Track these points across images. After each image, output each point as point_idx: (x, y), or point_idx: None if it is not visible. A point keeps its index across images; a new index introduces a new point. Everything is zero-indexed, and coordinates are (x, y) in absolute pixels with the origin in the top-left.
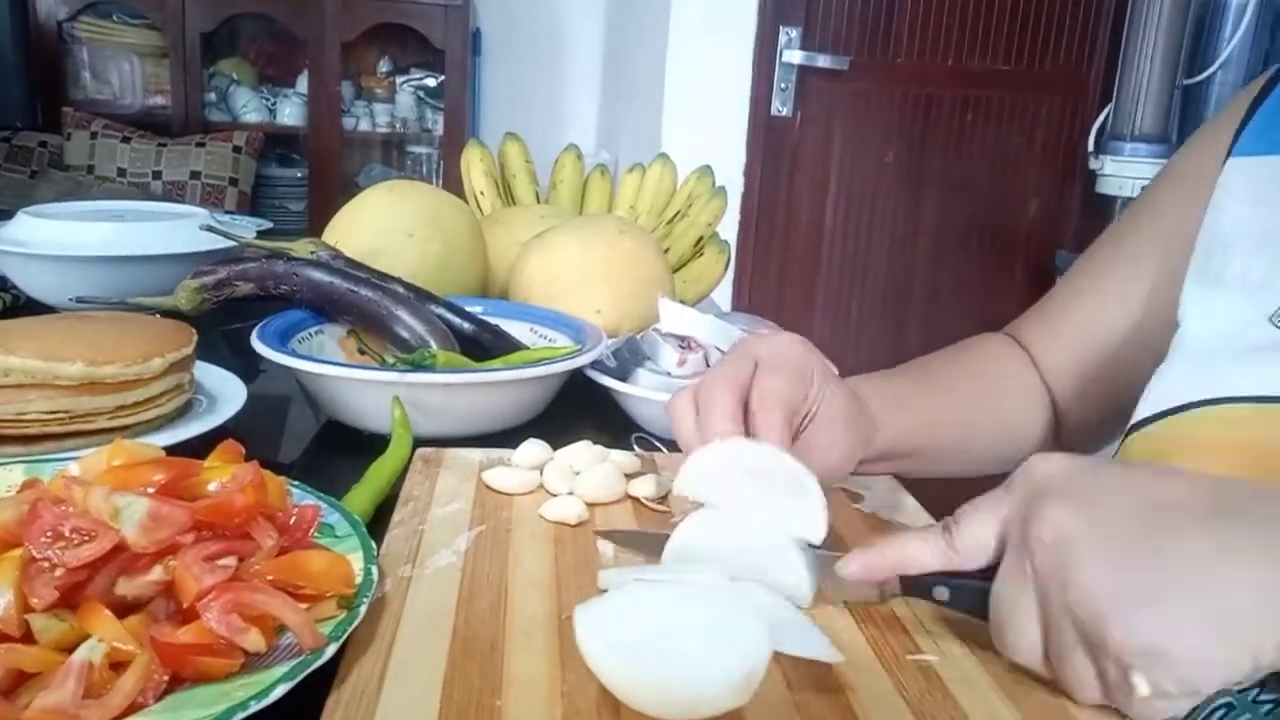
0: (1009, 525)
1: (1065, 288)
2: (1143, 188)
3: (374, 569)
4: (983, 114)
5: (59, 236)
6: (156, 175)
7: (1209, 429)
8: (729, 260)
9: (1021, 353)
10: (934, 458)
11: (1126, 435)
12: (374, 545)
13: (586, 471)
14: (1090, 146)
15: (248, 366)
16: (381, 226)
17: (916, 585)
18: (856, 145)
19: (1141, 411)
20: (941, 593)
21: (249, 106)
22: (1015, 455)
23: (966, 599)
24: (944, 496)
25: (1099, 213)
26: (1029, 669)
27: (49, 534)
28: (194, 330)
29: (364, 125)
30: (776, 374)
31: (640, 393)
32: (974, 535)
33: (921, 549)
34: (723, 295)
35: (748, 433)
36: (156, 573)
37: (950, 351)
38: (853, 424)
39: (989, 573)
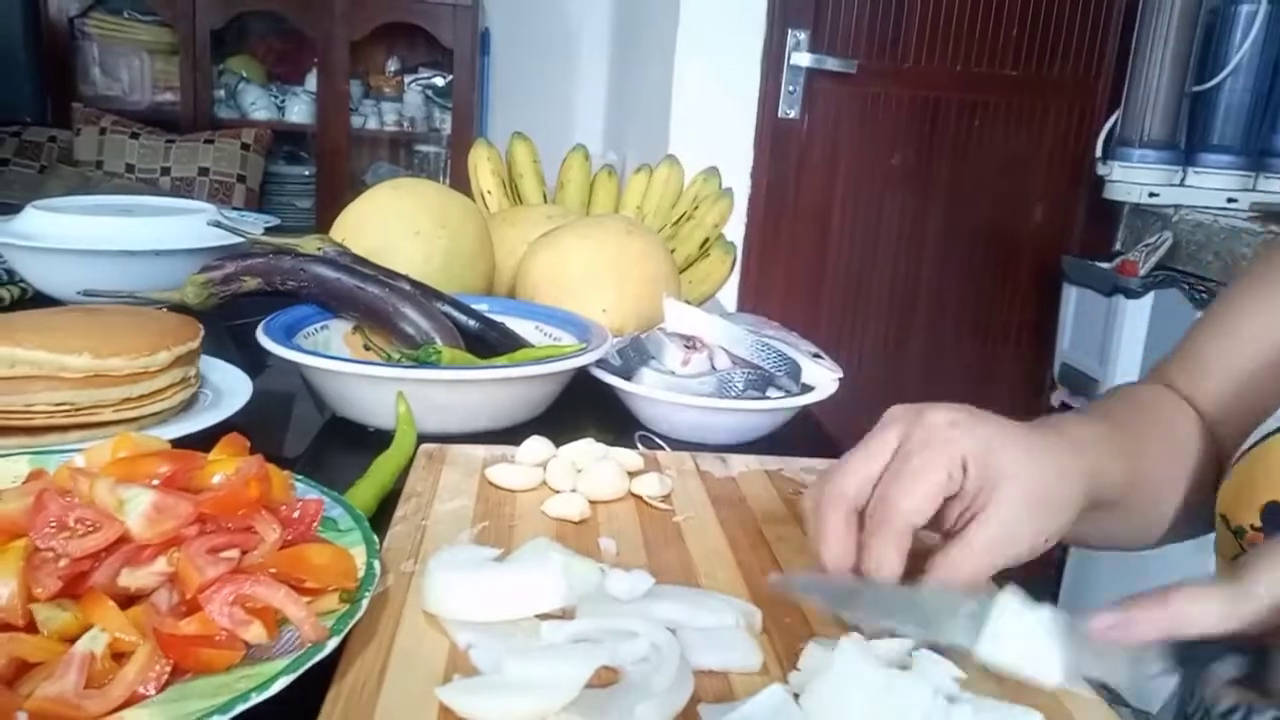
0: None
1: (1209, 320)
2: None
3: (376, 563)
4: (990, 119)
5: (67, 231)
6: (165, 171)
7: None
8: (735, 261)
9: (1183, 402)
10: (1130, 512)
11: (1259, 442)
12: (377, 540)
13: (589, 469)
14: (1098, 152)
15: (253, 361)
16: (388, 224)
17: (1191, 654)
18: (864, 148)
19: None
20: (1230, 668)
21: (258, 104)
22: (1199, 513)
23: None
24: None
25: (1106, 218)
26: None
27: (53, 524)
28: (200, 325)
29: (372, 124)
30: (902, 476)
31: (645, 392)
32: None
33: (1202, 604)
34: (728, 296)
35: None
36: (160, 564)
37: (1123, 398)
38: (1046, 505)
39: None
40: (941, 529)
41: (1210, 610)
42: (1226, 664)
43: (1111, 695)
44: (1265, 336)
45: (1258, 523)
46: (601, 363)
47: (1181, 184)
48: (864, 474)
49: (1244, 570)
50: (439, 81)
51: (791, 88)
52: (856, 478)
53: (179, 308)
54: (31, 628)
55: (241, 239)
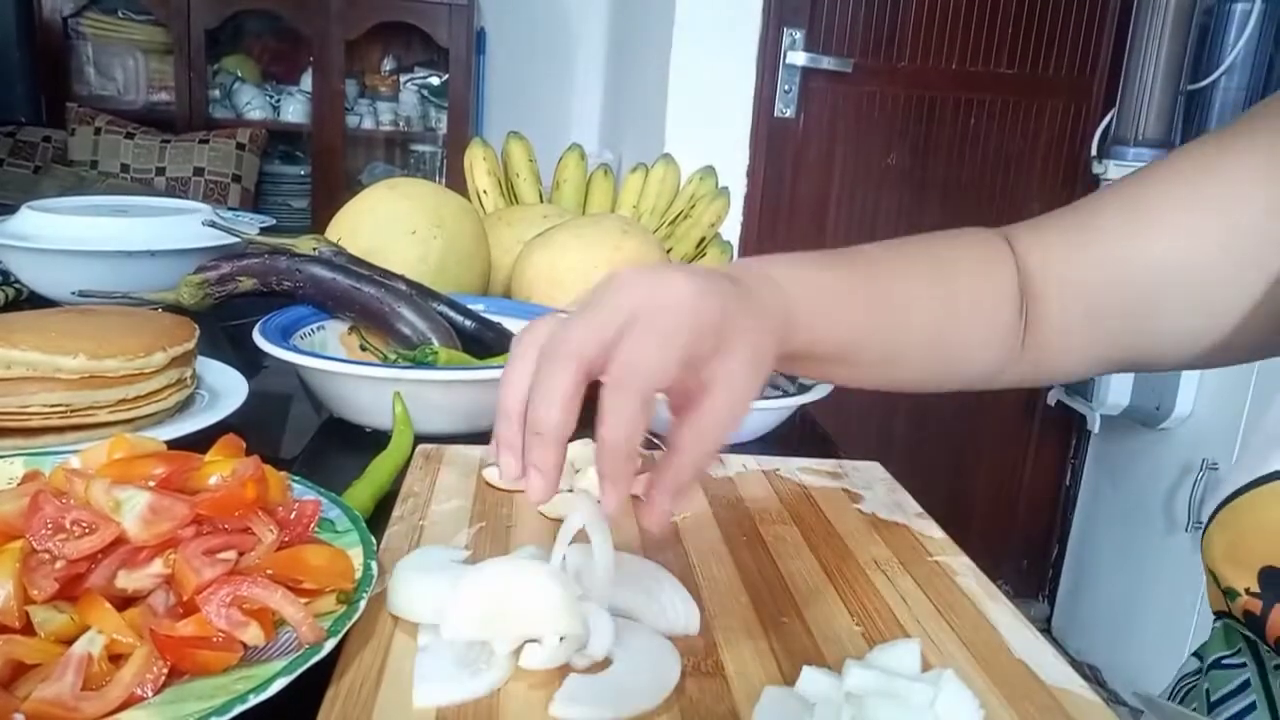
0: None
1: (1118, 199)
2: (1237, 118)
3: (374, 564)
4: (986, 117)
5: (62, 231)
6: (160, 171)
7: None
8: (731, 260)
9: (1006, 255)
10: (854, 366)
11: (1273, 478)
12: (374, 541)
13: (586, 469)
14: (1094, 151)
15: (249, 362)
16: (384, 224)
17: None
18: (859, 147)
19: (1234, 482)
20: None
21: (253, 104)
22: (950, 375)
23: None
24: (945, 498)
25: None
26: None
27: (50, 526)
28: (196, 325)
29: (368, 123)
30: (649, 336)
31: None
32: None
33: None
34: None
35: (585, 415)
36: (156, 566)
37: (914, 243)
38: (764, 361)
39: None
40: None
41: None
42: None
43: (1110, 695)
44: (1177, 250)
45: (1254, 587)
46: None
47: None
48: (604, 329)
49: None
50: (435, 81)
51: (787, 87)
52: (596, 332)
53: (174, 308)
54: (28, 630)
55: (237, 239)
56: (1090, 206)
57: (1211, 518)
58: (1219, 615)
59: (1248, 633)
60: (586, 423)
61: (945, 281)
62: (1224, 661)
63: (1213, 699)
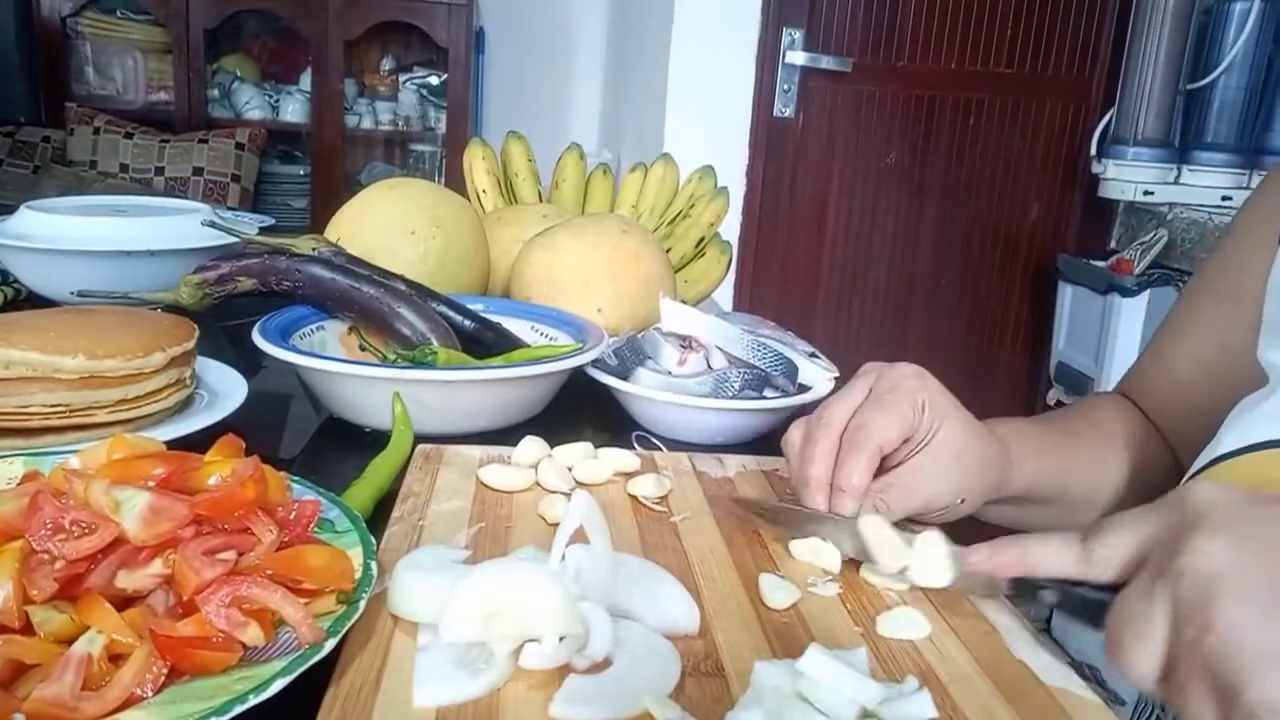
0: (1152, 546)
1: (1152, 346)
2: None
3: (373, 564)
4: (985, 117)
5: (61, 231)
6: (159, 171)
7: None
8: (730, 261)
9: (1135, 410)
10: (1068, 506)
11: (1208, 467)
12: (374, 541)
13: (578, 466)
14: (1093, 150)
15: (249, 362)
16: (383, 224)
17: (1025, 586)
18: (858, 147)
19: (1225, 444)
20: (1050, 596)
21: (252, 103)
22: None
23: (1077, 607)
24: None
25: (1101, 217)
26: (1137, 683)
27: (49, 526)
28: (195, 325)
29: (367, 123)
30: (878, 407)
31: (641, 391)
32: (1113, 550)
33: (1054, 554)
34: (724, 295)
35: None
36: (156, 566)
37: (1076, 406)
38: (972, 460)
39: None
40: (888, 465)
41: (1057, 558)
42: (1049, 593)
43: (1110, 695)
44: (1194, 360)
45: None
46: (597, 363)
47: (1176, 182)
48: (847, 408)
49: (1094, 534)
50: (434, 80)
51: (786, 86)
52: (842, 410)
53: (174, 308)
54: (28, 630)
55: (236, 239)
56: (1141, 356)
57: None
58: None
59: None
60: (585, 423)
61: (1128, 454)
62: None
63: None
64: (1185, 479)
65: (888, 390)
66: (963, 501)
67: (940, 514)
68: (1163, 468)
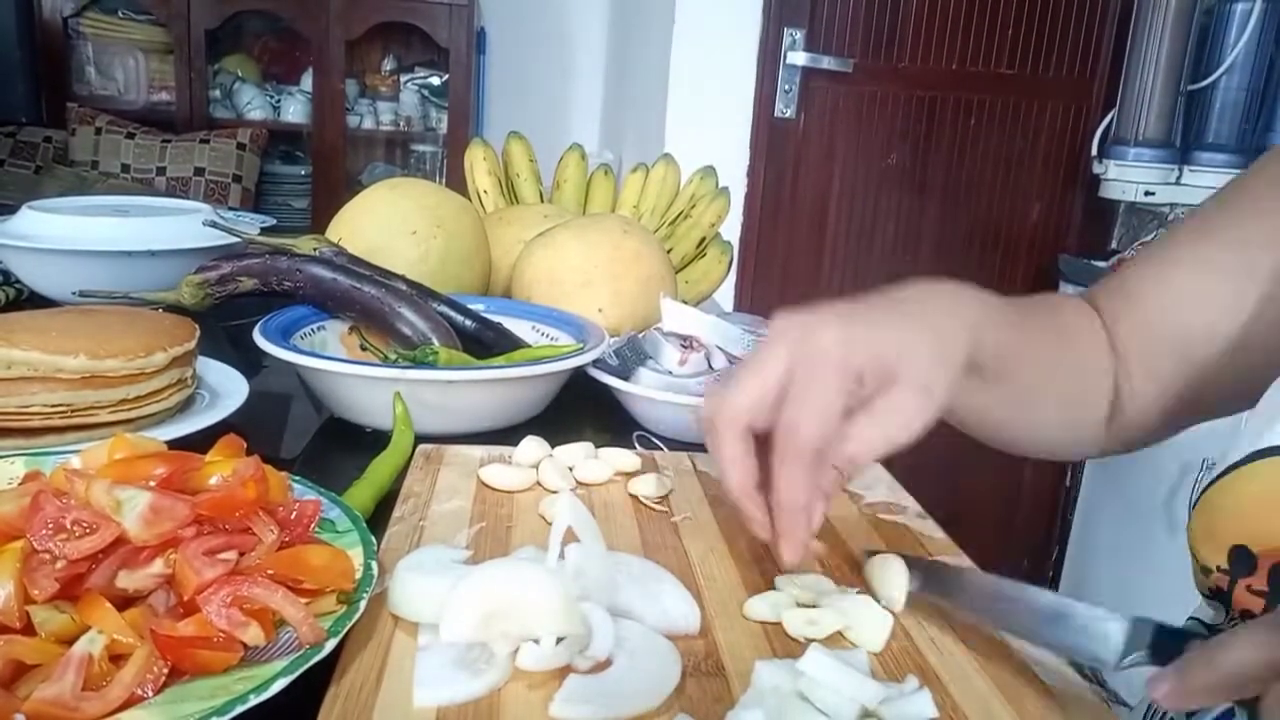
0: None
1: (1145, 263)
2: (1241, 174)
3: (374, 564)
4: (986, 117)
5: (63, 231)
6: (160, 171)
7: None
8: (731, 261)
9: (1097, 320)
10: (1004, 384)
11: (1254, 459)
12: (374, 541)
13: (579, 466)
14: (1094, 151)
15: (250, 362)
16: (385, 224)
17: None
18: (860, 147)
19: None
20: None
21: (253, 104)
22: (1075, 430)
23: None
24: (945, 498)
25: (1102, 217)
26: None
27: (50, 526)
28: (197, 325)
29: (368, 123)
30: (802, 403)
31: (642, 391)
32: None
33: (1255, 660)
34: (725, 296)
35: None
36: (157, 566)
37: (1035, 299)
38: (931, 382)
39: None
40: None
41: (1261, 672)
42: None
43: (1110, 695)
44: (1202, 301)
45: (1224, 564)
46: (598, 363)
47: (1177, 182)
48: (758, 393)
49: None
50: (435, 81)
51: (787, 87)
52: (750, 397)
53: (175, 308)
54: (29, 630)
55: (237, 239)
56: (1127, 271)
57: (1196, 503)
58: (1203, 596)
59: (1218, 604)
60: (586, 423)
61: (1069, 345)
62: None
63: None
64: (1225, 467)
65: (812, 371)
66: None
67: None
68: (1105, 386)
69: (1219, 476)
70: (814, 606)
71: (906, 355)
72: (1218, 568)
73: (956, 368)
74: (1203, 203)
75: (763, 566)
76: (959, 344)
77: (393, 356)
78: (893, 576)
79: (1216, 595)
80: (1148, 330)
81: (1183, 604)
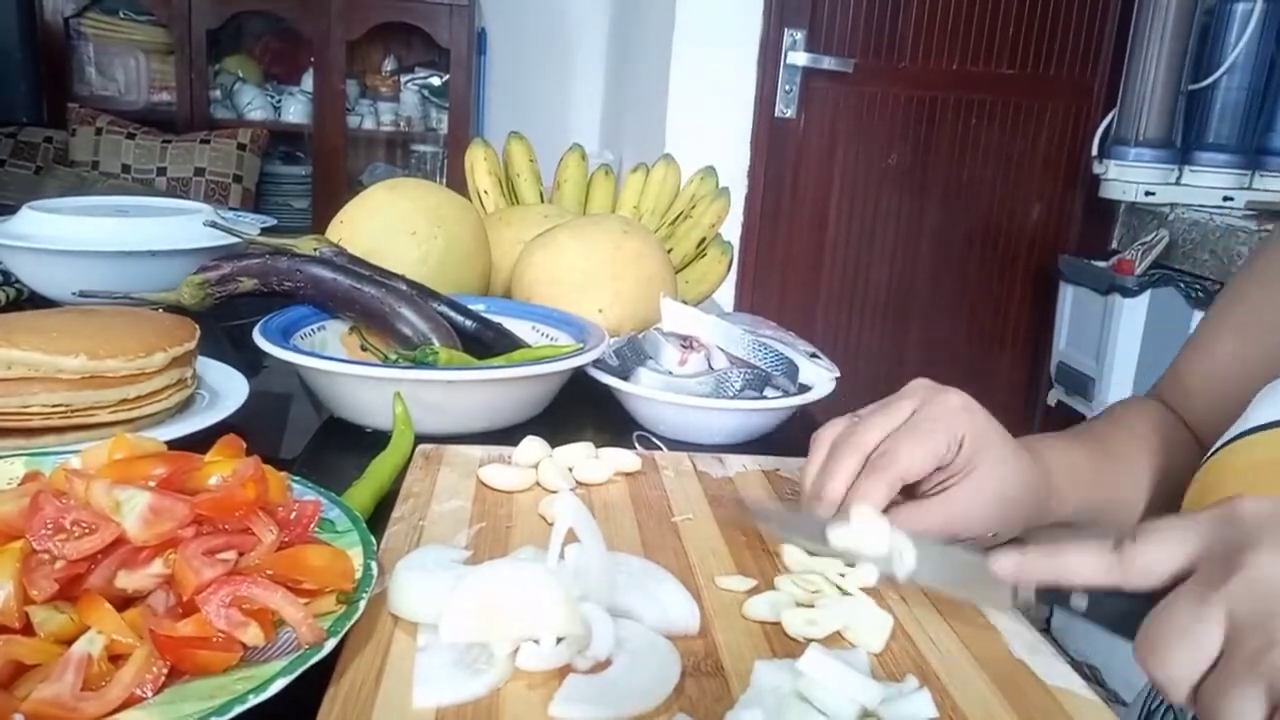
0: (1201, 557)
1: (1193, 348)
2: (1261, 245)
3: (374, 564)
4: (987, 118)
5: (63, 231)
6: (161, 172)
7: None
8: (732, 261)
9: (1170, 414)
10: (1114, 524)
11: (1233, 441)
12: (374, 541)
13: (578, 466)
14: (1094, 151)
15: (250, 362)
16: (385, 224)
17: (1056, 593)
18: (860, 148)
19: (1253, 419)
20: (1080, 602)
21: (254, 104)
22: None
23: (1107, 615)
24: None
25: (1102, 217)
26: (1163, 689)
27: (50, 526)
28: (197, 325)
29: (368, 123)
30: (912, 435)
31: (642, 392)
32: (1155, 558)
33: (1088, 562)
34: (725, 296)
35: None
36: (156, 566)
37: (1111, 415)
38: (1012, 498)
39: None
40: (916, 493)
41: (1091, 570)
42: (1079, 598)
43: (1110, 695)
44: (1240, 358)
45: None
46: (598, 363)
47: (1177, 182)
48: (883, 430)
49: (1131, 542)
50: (435, 81)
51: (788, 87)
52: (877, 433)
53: (175, 308)
54: (28, 630)
55: (238, 239)
56: (1178, 364)
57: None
58: None
59: None
60: (586, 423)
61: (1164, 462)
62: None
63: None
64: (1209, 454)
65: (927, 419)
66: (994, 535)
67: (967, 540)
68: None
69: (1211, 454)
70: (814, 607)
71: (992, 457)
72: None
73: (1019, 515)
74: (1233, 278)
75: (761, 566)
76: (1031, 500)
77: (393, 356)
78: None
79: None
80: (1228, 398)
81: None
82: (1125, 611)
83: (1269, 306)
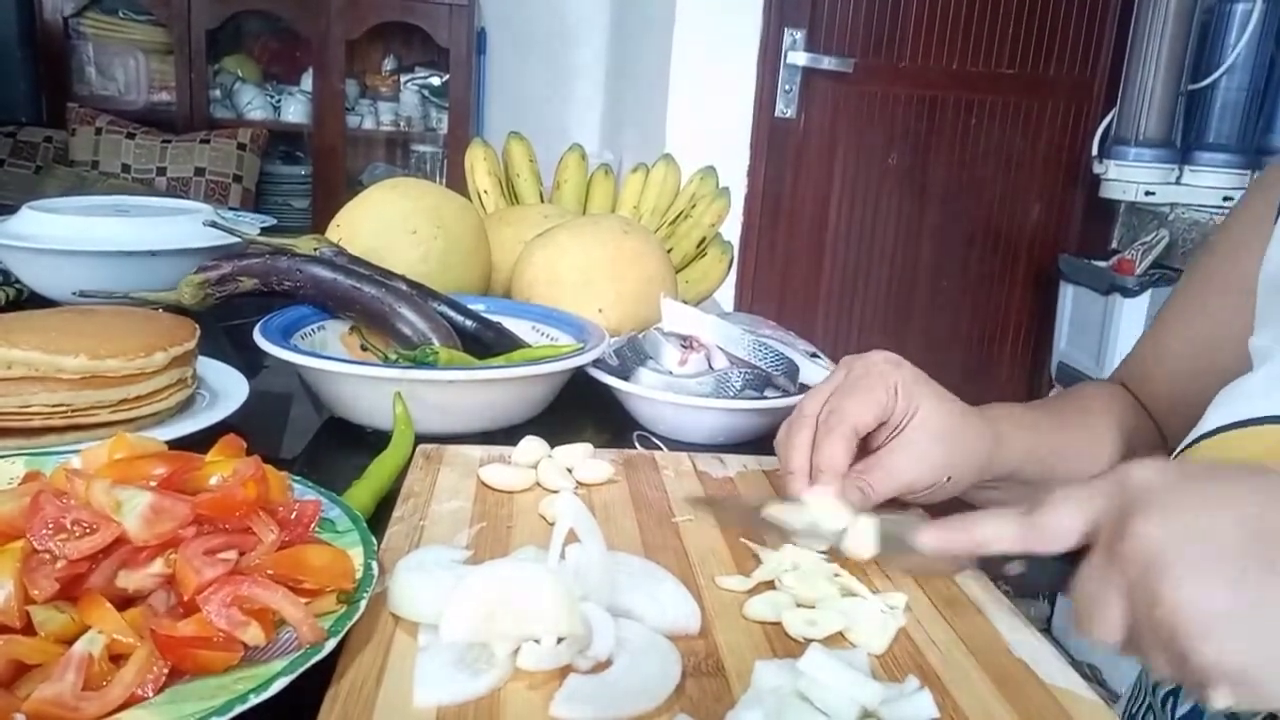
0: (1098, 525)
1: (1160, 322)
2: (1210, 235)
3: (374, 564)
4: (987, 117)
5: (63, 231)
6: (161, 171)
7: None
8: (732, 261)
9: (1127, 396)
10: (1038, 482)
11: (1191, 445)
12: (374, 541)
13: (578, 466)
14: (1094, 151)
15: (250, 362)
16: (385, 224)
17: (991, 560)
18: (860, 147)
19: (1209, 422)
20: (1015, 568)
21: (254, 104)
22: None
23: (1043, 577)
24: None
25: (1103, 217)
26: (1106, 648)
27: (50, 526)
28: (197, 325)
29: (368, 123)
30: (850, 394)
31: (642, 391)
32: (1059, 523)
33: (1001, 529)
34: (725, 296)
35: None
36: (157, 566)
37: (1069, 392)
38: (954, 440)
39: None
40: (870, 448)
41: (1004, 532)
42: (1015, 565)
43: (1110, 695)
44: (1188, 349)
45: None
46: (598, 363)
47: (1177, 182)
48: (822, 398)
49: (1035, 508)
50: (435, 81)
51: (788, 87)
52: (818, 400)
53: (175, 308)
54: (29, 629)
55: (238, 239)
56: (1142, 342)
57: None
58: None
59: None
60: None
61: (1112, 435)
62: None
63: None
64: (1172, 458)
65: (861, 376)
66: (949, 480)
67: (926, 494)
68: (1153, 454)
69: (1199, 439)
70: (814, 607)
71: (927, 400)
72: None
73: (971, 457)
74: (1195, 254)
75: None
76: (979, 439)
77: (393, 356)
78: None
79: None
80: (1178, 384)
81: None
82: (1059, 572)
83: (1215, 301)
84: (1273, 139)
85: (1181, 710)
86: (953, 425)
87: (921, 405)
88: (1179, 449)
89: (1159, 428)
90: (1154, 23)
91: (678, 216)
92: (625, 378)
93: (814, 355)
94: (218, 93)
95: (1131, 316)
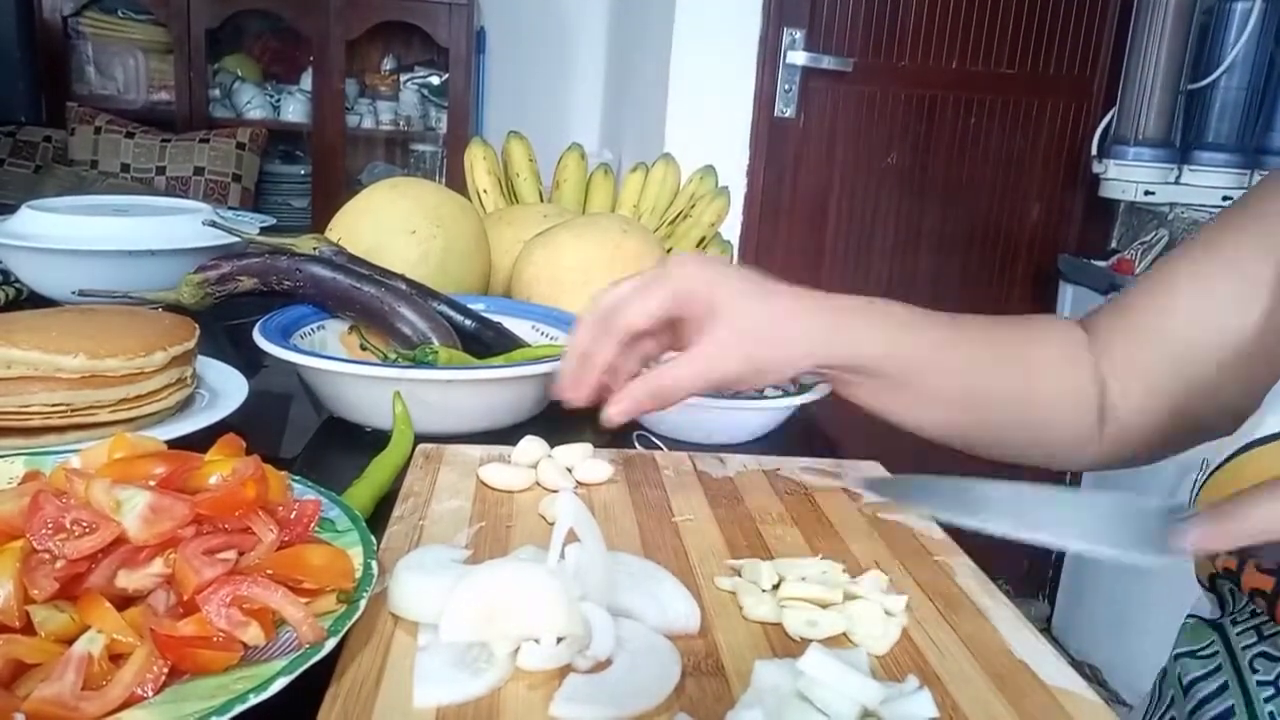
0: None
1: (1146, 282)
2: (1240, 196)
3: (374, 564)
4: (986, 117)
5: (62, 231)
6: (160, 171)
7: None
8: (731, 260)
9: (1083, 338)
10: (931, 400)
11: (1251, 446)
12: (374, 540)
13: (578, 466)
14: (1094, 150)
15: (250, 361)
16: (384, 224)
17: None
18: (860, 147)
19: (1269, 426)
20: (1276, 553)
21: (253, 103)
22: (1041, 445)
23: None
24: None
25: (1102, 217)
26: None
27: (50, 526)
28: (196, 325)
29: (368, 123)
30: (629, 297)
31: None
32: None
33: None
34: None
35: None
36: (157, 565)
37: (1005, 318)
38: (759, 334)
39: None
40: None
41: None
42: (1272, 549)
43: (1110, 695)
44: (1203, 316)
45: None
46: None
47: (1177, 182)
48: (612, 298)
49: None
50: (435, 80)
51: (787, 86)
52: (606, 300)
53: (175, 308)
54: (29, 629)
55: (237, 239)
56: (1129, 292)
57: (1202, 486)
58: (1209, 579)
59: (1228, 584)
60: (585, 423)
61: (1022, 359)
62: (1197, 654)
63: (1184, 682)
64: (1222, 459)
65: (653, 279)
66: (759, 371)
67: (752, 385)
68: (1080, 407)
69: (1218, 467)
70: (824, 606)
71: (724, 301)
72: (1225, 551)
73: (784, 348)
74: (1203, 225)
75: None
76: (797, 330)
77: (393, 356)
78: None
79: (1226, 576)
80: (1149, 348)
81: (1183, 605)
82: None
83: (1235, 262)
84: (1272, 138)
85: None
86: (758, 323)
87: (724, 307)
88: (1229, 452)
89: (1102, 385)
90: (1153, 22)
91: (677, 216)
92: None
93: None
94: (217, 92)
95: None
